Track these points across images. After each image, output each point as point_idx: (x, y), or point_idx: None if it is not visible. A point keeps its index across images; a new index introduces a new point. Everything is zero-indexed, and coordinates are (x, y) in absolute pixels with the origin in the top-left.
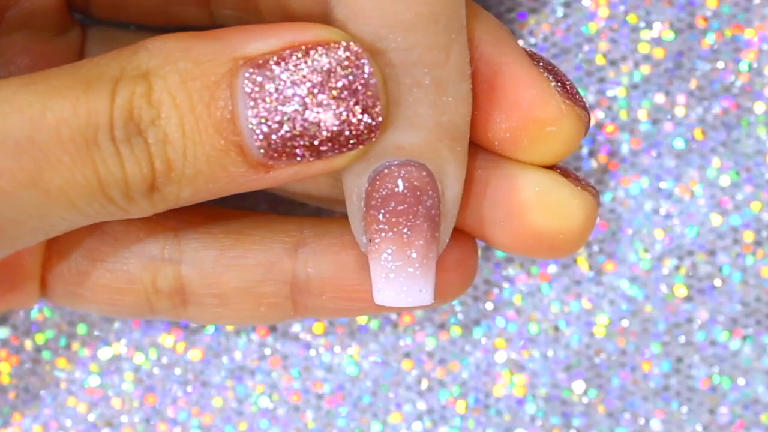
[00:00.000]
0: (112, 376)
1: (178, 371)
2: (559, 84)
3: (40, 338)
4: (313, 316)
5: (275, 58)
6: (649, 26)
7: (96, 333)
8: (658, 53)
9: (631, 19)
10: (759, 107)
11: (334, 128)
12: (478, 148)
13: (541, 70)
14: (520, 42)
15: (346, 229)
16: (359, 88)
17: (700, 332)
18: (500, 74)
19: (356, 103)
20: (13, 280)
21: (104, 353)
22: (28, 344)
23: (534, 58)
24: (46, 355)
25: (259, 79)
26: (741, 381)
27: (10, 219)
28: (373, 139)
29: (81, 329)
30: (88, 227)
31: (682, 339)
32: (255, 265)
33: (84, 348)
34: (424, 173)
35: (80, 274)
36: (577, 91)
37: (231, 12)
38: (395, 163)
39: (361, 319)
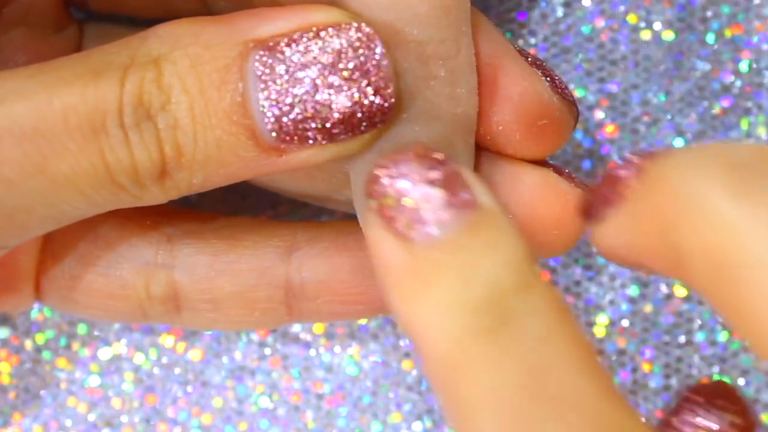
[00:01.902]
0: (112, 376)
1: (178, 371)
2: (548, 79)
3: (40, 338)
4: (308, 320)
5: (286, 41)
6: (649, 26)
7: (96, 333)
8: (658, 53)
9: (631, 19)
10: (759, 107)
11: (346, 110)
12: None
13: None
14: (521, 42)
15: (339, 232)
16: (371, 69)
17: (700, 332)
18: (492, 69)
19: (368, 84)
20: (8, 282)
21: (104, 353)
22: (28, 344)
23: (522, 54)
24: (46, 355)
25: (270, 61)
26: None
27: (18, 207)
28: (386, 122)
29: (81, 329)
30: (81, 231)
31: (682, 339)
32: (248, 270)
33: (84, 348)
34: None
35: (73, 278)
36: (566, 86)
37: (227, 4)
38: None
39: (361, 320)
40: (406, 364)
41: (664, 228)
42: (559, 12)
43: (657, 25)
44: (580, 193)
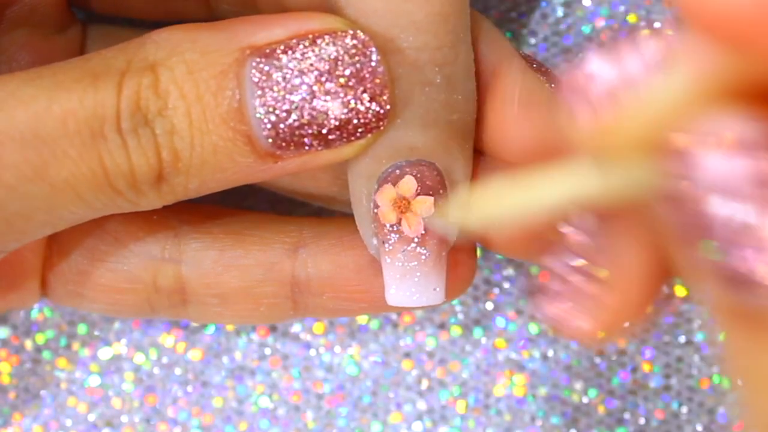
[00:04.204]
0: (113, 376)
1: (178, 371)
2: (552, 84)
3: (40, 338)
4: (313, 315)
5: (282, 47)
6: (649, 26)
7: (96, 333)
8: None
9: (631, 19)
10: None
11: (342, 116)
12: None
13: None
14: (521, 42)
15: (345, 230)
16: (367, 76)
17: (700, 332)
18: (495, 74)
19: (364, 91)
20: (15, 279)
21: (104, 353)
22: (28, 344)
23: (527, 59)
24: (46, 355)
25: (266, 68)
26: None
27: (17, 213)
28: (381, 128)
29: (81, 329)
30: (88, 227)
31: (682, 339)
32: (255, 265)
33: (84, 348)
34: (435, 173)
35: (81, 273)
36: None
37: (229, 7)
38: (406, 163)
39: (361, 319)
40: (406, 364)
41: None
42: (559, 12)
43: (657, 25)
44: None
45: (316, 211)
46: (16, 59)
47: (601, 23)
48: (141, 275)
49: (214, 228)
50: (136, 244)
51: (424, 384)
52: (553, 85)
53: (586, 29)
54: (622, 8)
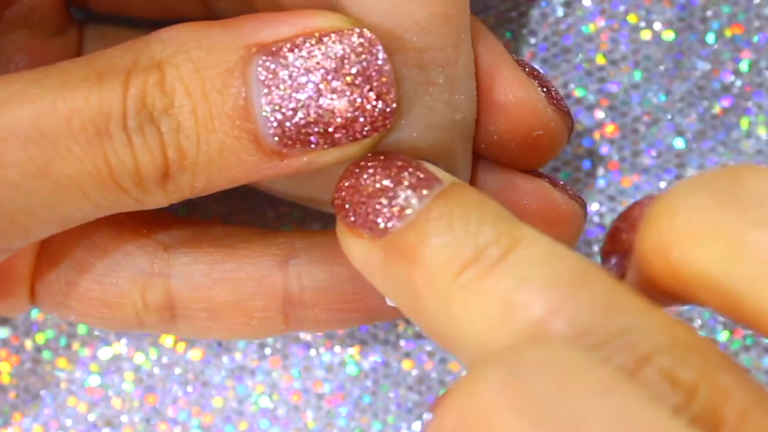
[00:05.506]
0: (113, 376)
1: (178, 371)
2: (544, 89)
3: (40, 338)
4: (305, 329)
5: (288, 45)
6: (649, 26)
7: (96, 333)
8: (658, 53)
9: (631, 19)
10: (759, 107)
11: (348, 115)
12: None
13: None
14: (521, 42)
15: (336, 240)
16: (373, 74)
17: (701, 332)
18: (489, 78)
19: (370, 90)
20: (4, 286)
21: (104, 353)
22: (28, 344)
23: (519, 63)
24: (46, 354)
25: (273, 66)
26: None
27: (21, 210)
28: (387, 126)
29: (81, 329)
30: (77, 238)
31: None
32: (245, 278)
33: (84, 348)
34: None
35: (69, 284)
36: (562, 97)
37: (228, 6)
38: None
39: None
40: (406, 364)
41: (672, 260)
42: (559, 12)
43: (657, 25)
44: (573, 204)
45: (315, 210)
46: (13, 61)
47: (601, 23)
48: (130, 289)
49: (204, 241)
50: (125, 257)
51: (425, 384)
52: (544, 91)
53: (586, 29)
54: (622, 8)
